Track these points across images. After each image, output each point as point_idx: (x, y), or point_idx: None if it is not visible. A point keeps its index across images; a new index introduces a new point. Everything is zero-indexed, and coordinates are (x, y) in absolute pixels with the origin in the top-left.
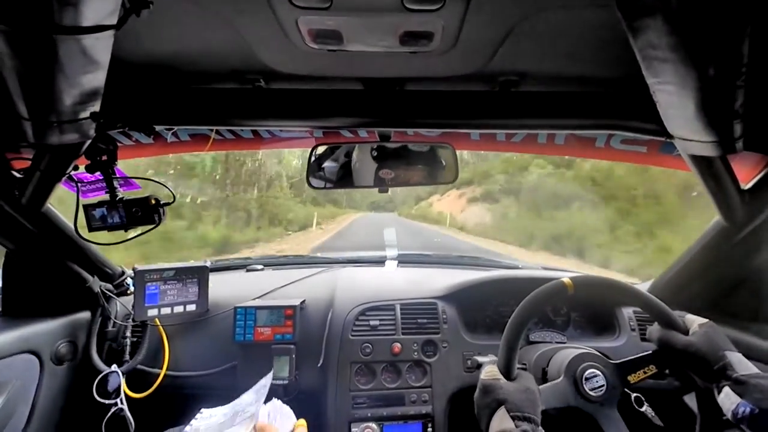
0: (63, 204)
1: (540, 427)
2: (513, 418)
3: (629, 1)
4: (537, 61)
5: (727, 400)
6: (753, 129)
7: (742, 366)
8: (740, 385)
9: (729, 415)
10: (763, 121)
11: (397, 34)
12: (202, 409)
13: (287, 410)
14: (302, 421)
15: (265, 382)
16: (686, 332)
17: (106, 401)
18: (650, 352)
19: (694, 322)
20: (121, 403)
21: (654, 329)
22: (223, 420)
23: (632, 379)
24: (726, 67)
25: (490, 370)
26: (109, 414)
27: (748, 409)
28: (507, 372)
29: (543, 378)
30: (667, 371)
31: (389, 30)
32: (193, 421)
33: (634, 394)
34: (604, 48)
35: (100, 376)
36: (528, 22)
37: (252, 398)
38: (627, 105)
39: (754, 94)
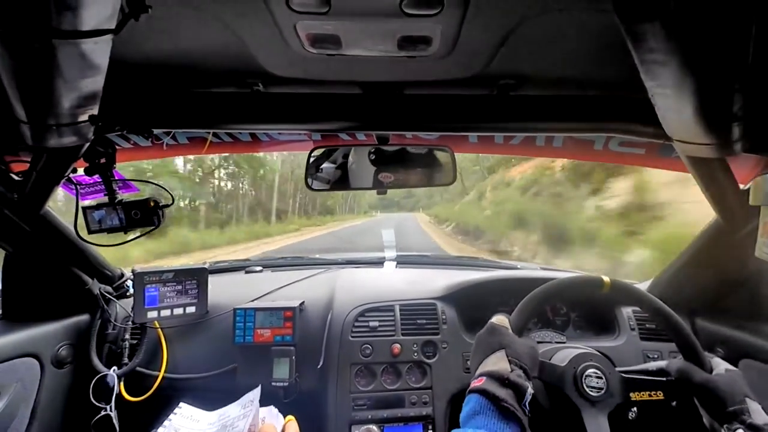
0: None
1: (531, 383)
2: (510, 361)
3: (627, 6)
4: (535, 65)
5: None
6: (752, 131)
7: (760, 416)
8: None
9: None
10: (763, 123)
11: (395, 39)
12: (181, 404)
13: (281, 418)
14: (291, 417)
15: (253, 397)
16: (710, 371)
17: (100, 404)
18: (664, 379)
19: (721, 365)
20: (111, 410)
21: (675, 362)
22: (209, 430)
23: (634, 396)
24: (725, 70)
25: (501, 319)
26: (99, 416)
27: None
28: (518, 329)
29: None
30: (673, 403)
31: (387, 35)
32: (171, 416)
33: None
34: (602, 51)
35: (95, 378)
36: (526, 26)
37: (239, 412)
38: (625, 108)
39: (753, 96)
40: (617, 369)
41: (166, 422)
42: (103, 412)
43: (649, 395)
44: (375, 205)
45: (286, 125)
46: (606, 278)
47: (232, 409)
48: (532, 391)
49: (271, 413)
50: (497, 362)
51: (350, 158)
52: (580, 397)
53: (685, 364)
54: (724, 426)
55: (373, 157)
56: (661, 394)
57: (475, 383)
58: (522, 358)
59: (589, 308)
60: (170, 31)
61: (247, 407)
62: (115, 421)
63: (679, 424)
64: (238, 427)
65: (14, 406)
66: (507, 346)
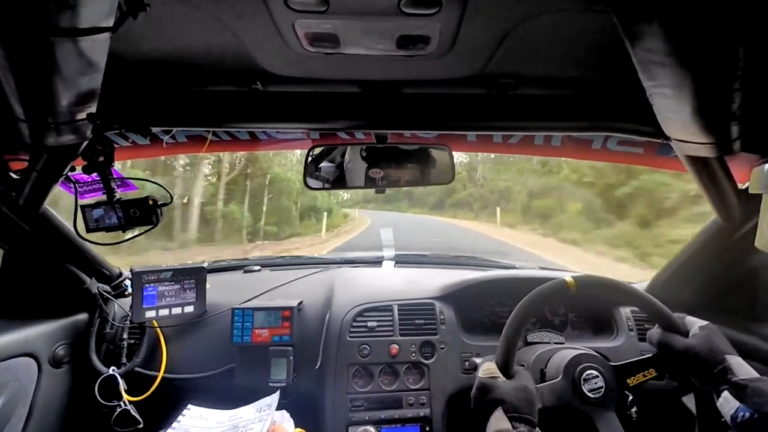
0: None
1: (537, 429)
2: (510, 419)
3: (626, 7)
4: (534, 64)
5: (726, 404)
6: (750, 130)
7: (742, 370)
8: (739, 390)
9: (728, 420)
10: (760, 123)
11: (393, 38)
12: (190, 406)
13: (292, 425)
14: (301, 431)
15: (270, 402)
16: (686, 334)
17: (110, 403)
18: (650, 355)
19: (695, 324)
20: (125, 404)
21: (654, 332)
22: (220, 430)
23: (631, 381)
24: (723, 69)
25: (488, 368)
26: (116, 414)
27: (747, 414)
28: (505, 370)
29: (541, 379)
30: (666, 375)
31: (386, 34)
32: (180, 418)
33: (630, 396)
34: (600, 51)
35: (100, 378)
36: (525, 26)
37: (254, 415)
38: (624, 107)
39: (751, 95)
40: (610, 363)
41: (175, 424)
42: (119, 409)
43: (644, 375)
44: (364, 200)
45: (285, 124)
46: (569, 278)
47: (246, 411)
48: None
49: (283, 417)
50: (498, 423)
51: (346, 156)
52: (586, 403)
53: (663, 333)
54: (713, 389)
55: (365, 154)
56: (654, 371)
57: None
58: (520, 409)
59: (587, 308)
60: (168, 29)
61: (263, 411)
62: (135, 414)
63: (680, 395)
64: (253, 430)
65: (11, 405)
66: (501, 401)
